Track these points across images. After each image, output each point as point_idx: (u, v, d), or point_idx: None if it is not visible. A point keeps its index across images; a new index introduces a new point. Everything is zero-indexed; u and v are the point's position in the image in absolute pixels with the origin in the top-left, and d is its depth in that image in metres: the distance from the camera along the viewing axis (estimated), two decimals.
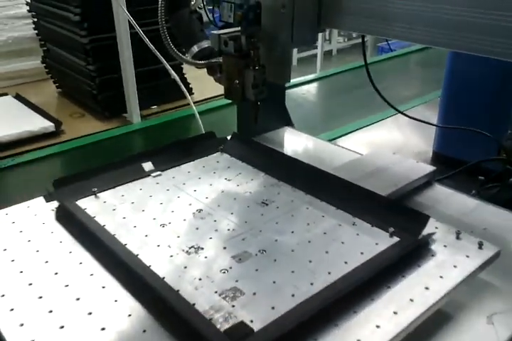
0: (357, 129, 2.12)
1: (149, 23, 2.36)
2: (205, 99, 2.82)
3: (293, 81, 2.88)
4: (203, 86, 2.82)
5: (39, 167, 2.09)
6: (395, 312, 0.77)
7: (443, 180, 1.44)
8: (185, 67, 2.78)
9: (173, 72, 2.09)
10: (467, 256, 0.89)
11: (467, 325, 0.84)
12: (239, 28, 1.09)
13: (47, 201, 1.13)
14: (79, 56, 2.50)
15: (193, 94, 2.76)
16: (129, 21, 2.23)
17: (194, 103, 2.25)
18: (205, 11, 1.20)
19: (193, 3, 1.26)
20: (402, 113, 1.67)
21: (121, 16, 2.27)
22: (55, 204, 1.12)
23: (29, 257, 0.95)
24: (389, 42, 4.71)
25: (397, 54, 3.53)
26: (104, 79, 2.49)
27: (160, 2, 1.15)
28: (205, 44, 1.25)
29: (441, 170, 1.49)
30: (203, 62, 1.23)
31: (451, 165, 1.57)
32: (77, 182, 1.17)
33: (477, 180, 1.46)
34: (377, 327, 0.75)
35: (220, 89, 2.91)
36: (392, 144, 1.92)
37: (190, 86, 2.75)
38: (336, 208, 1.06)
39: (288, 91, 2.04)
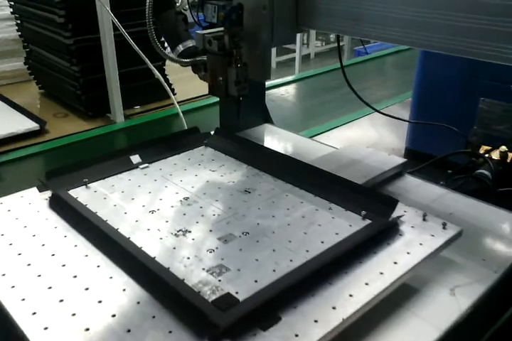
0: (334, 127, 2.21)
1: (133, 25, 2.43)
2: (187, 100, 2.88)
3: (272, 82, 2.96)
4: (185, 87, 2.90)
5: (24, 165, 2.14)
6: (367, 284, 0.86)
7: (414, 173, 1.54)
8: (167, 70, 2.85)
9: (157, 72, 2.15)
10: (432, 235, 0.98)
11: (432, 297, 0.92)
12: (222, 28, 1.16)
13: (40, 191, 1.19)
14: (63, 57, 2.54)
15: (175, 94, 2.82)
16: (112, 22, 2.30)
17: (178, 103, 2.32)
18: (190, 12, 1.27)
19: (178, 4, 1.33)
20: (377, 111, 1.77)
21: (105, 18, 2.33)
22: (47, 194, 1.18)
23: (26, 241, 1.01)
24: (365, 45, 4.85)
25: (373, 56, 3.65)
26: (88, 79, 2.54)
27: (147, 4, 1.22)
28: (190, 43, 1.32)
29: (413, 165, 1.59)
30: (188, 60, 1.30)
31: (422, 159, 1.66)
32: (68, 173, 1.23)
33: (446, 172, 1.55)
34: (351, 296, 0.83)
35: (201, 89, 3.00)
36: (368, 141, 2.02)
37: (173, 87, 2.82)
38: (313, 195, 1.15)
39: (267, 92, 2.13)
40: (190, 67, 1.35)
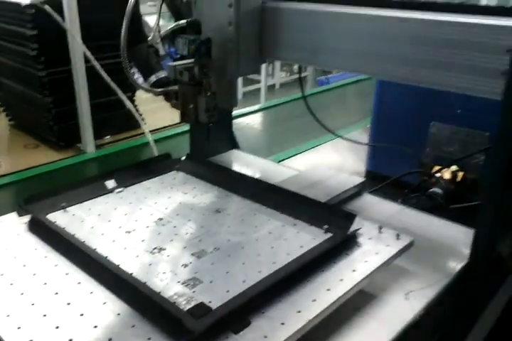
0: (299, 153, 2.32)
1: (104, 57, 2.52)
2: (157, 129, 2.96)
3: (239, 111, 3.08)
4: (154, 118, 2.99)
5: None
6: (328, 289, 0.94)
7: (374, 193, 1.64)
8: (137, 101, 2.95)
9: (128, 102, 2.23)
10: (387, 245, 1.08)
11: (388, 302, 1.01)
12: (192, 60, 1.26)
13: (20, 215, 1.24)
14: (35, 89, 2.61)
15: (145, 124, 2.90)
16: (84, 55, 2.38)
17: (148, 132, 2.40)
18: (162, 46, 1.37)
19: (149, 38, 1.43)
20: (338, 136, 1.88)
21: (77, 50, 2.42)
22: (26, 218, 1.23)
23: (8, 262, 1.06)
24: (327, 76, 5.05)
25: (334, 86, 3.82)
26: (60, 110, 2.60)
27: (122, 38, 1.31)
28: (162, 74, 1.41)
29: (373, 185, 1.70)
30: (160, 89, 1.39)
31: (381, 180, 1.78)
32: (46, 198, 1.29)
33: (403, 192, 1.67)
34: (314, 300, 0.91)
35: (169, 119, 3.08)
36: (332, 165, 2.12)
37: (143, 117, 2.90)
38: (279, 213, 1.23)
39: (235, 121, 2.23)
40: (158, 98, 1.44)
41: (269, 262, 1.03)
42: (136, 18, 1.35)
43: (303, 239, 1.11)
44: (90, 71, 2.45)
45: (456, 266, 1.12)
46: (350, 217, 1.13)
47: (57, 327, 0.86)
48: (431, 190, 1.62)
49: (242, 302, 0.89)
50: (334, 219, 1.15)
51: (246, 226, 1.19)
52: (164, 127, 2.99)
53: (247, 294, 0.92)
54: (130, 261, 1.05)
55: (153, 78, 1.40)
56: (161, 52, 1.41)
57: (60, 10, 2.35)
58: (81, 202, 1.31)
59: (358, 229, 1.12)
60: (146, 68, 1.41)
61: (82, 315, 0.89)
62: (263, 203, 1.28)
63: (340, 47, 1.20)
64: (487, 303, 1.09)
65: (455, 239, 1.23)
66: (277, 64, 7.30)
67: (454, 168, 1.65)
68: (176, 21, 1.42)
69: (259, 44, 1.36)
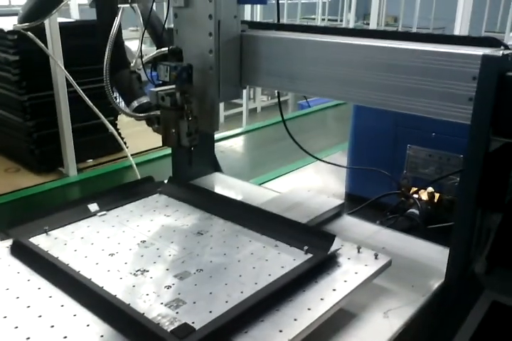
0: (281, 175, 2.36)
1: (86, 82, 2.55)
2: (138, 153, 2.98)
3: (221, 135, 3.12)
4: (136, 141, 3.01)
5: None
6: (309, 309, 0.96)
7: (353, 214, 1.68)
8: (120, 125, 2.98)
9: (110, 126, 2.25)
10: (366, 265, 1.11)
11: (368, 320, 1.04)
12: (173, 86, 1.29)
13: (1, 239, 1.24)
14: (16, 113, 2.61)
15: (127, 147, 2.92)
16: (66, 79, 2.41)
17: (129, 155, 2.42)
18: (144, 72, 1.40)
19: (132, 65, 1.46)
20: (318, 159, 1.92)
21: (59, 75, 2.44)
22: (8, 242, 1.24)
23: None
24: (308, 100, 5.14)
25: (315, 109, 3.89)
26: (42, 134, 2.61)
27: (104, 64, 1.34)
28: (144, 99, 1.43)
29: (352, 207, 1.74)
30: (142, 114, 1.42)
31: (360, 203, 1.82)
32: (29, 222, 1.30)
33: (382, 213, 1.71)
34: (295, 320, 0.93)
35: (150, 143, 3.10)
36: (313, 187, 2.16)
37: (125, 140, 2.92)
38: (260, 234, 1.26)
39: (217, 144, 2.26)
40: (140, 123, 1.47)
41: (251, 282, 1.05)
42: (119, 44, 1.38)
43: (284, 259, 1.14)
44: (72, 95, 2.47)
45: (433, 284, 1.15)
46: (330, 237, 1.16)
47: None
48: (409, 211, 1.67)
49: (224, 322, 0.91)
50: (314, 240, 1.18)
51: (228, 247, 1.21)
52: (146, 150, 3.01)
53: (229, 314, 0.93)
54: (114, 283, 1.06)
55: (135, 103, 1.42)
56: (144, 78, 1.44)
57: (42, 36, 2.38)
58: (64, 226, 1.32)
59: (338, 250, 1.14)
60: (128, 93, 1.43)
61: (65, 337, 0.90)
62: (245, 225, 1.31)
63: (315, 74, 1.25)
64: (464, 318, 1.12)
65: (432, 258, 1.26)
66: (258, 88, 7.40)
67: (430, 189, 1.70)
68: (157, 48, 1.47)
69: (239, 71, 1.41)
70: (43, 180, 2.61)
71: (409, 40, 1.16)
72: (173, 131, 1.31)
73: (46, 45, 2.39)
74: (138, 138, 3.01)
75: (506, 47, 1.05)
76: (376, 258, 1.13)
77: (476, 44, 1.09)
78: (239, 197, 1.59)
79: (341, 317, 1.02)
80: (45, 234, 1.28)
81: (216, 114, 1.39)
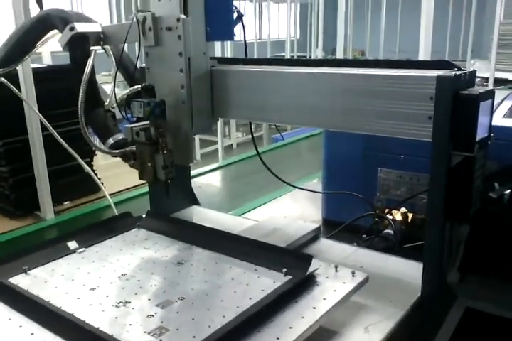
0: (258, 206, 2.39)
1: (61, 125, 2.58)
2: (116, 192, 2.99)
3: (197, 170, 3.15)
4: (112, 183, 3.03)
5: None
6: (291, 327, 0.98)
7: (330, 238, 1.71)
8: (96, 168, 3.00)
9: (87, 167, 2.26)
10: (344, 282, 1.13)
11: (349, 336, 1.06)
12: (147, 122, 1.33)
13: None
14: None
15: (104, 188, 2.93)
16: (40, 123, 2.43)
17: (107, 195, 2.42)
18: (119, 110, 1.44)
19: (106, 103, 1.50)
20: (294, 186, 1.96)
21: (34, 119, 2.47)
22: None
23: None
24: (281, 133, 5.23)
25: (288, 142, 3.98)
26: (17, 179, 2.62)
27: (79, 103, 1.38)
28: (119, 136, 1.46)
29: (329, 232, 1.77)
30: (118, 151, 1.43)
31: (337, 227, 1.85)
32: (7, 262, 1.29)
33: (357, 236, 1.74)
34: (277, 339, 0.95)
35: (127, 184, 3.11)
36: (291, 215, 2.20)
37: (101, 181, 2.92)
38: (240, 260, 1.28)
39: (194, 180, 2.29)
40: (116, 165, 1.48)
41: (234, 306, 1.06)
42: (93, 83, 1.43)
43: (264, 283, 1.15)
44: (47, 138, 2.49)
45: (410, 298, 1.18)
46: (308, 258, 1.19)
47: None
48: (384, 231, 1.70)
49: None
50: (292, 262, 1.20)
51: (209, 275, 1.22)
52: (123, 190, 3.02)
53: (213, 338, 0.94)
54: (96, 316, 1.06)
55: (110, 140, 1.45)
56: (118, 116, 1.48)
57: (16, 81, 2.42)
58: (43, 265, 1.31)
59: (316, 270, 1.17)
60: (103, 131, 1.46)
61: None
62: (223, 252, 1.32)
63: (283, 103, 1.31)
64: (440, 326, 1.14)
65: (408, 274, 1.29)
66: (233, 124, 7.51)
67: (403, 209, 1.75)
68: (130, 87, 1.51)
69: (211, 104, 1.46)
70: (20, 225, 2.59)
71: (370, 67, 1.23)
72: (149, 164, 1.34)
73: (19, 90, 2.43)
74: (114, 179, 3.05)
75: (459, 68, 1.13)
76: (353, 275, 1.15)
77: (431, 67, 1.16)
78: (217, 227, 1.61)
79: (323, 335, 1.04)
80: (24, 273, 1.27)
81: (190, 147, 1.44)
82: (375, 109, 1.17)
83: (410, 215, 1.75)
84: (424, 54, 4.54)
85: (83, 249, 1.41)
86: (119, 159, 1.45)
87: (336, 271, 1.18)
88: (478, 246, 1.28)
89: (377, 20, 7.74)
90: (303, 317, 1.01)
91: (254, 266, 1.24)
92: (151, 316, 1.05)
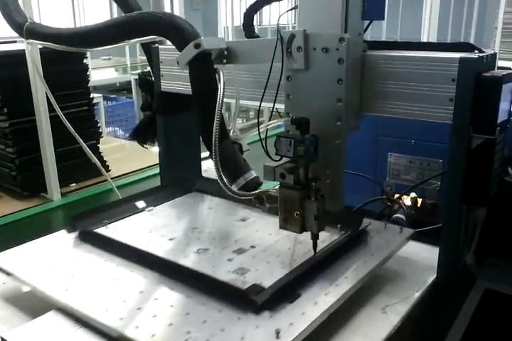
0: None
1: (67, 107, 2.57)
2: (122, 175, 3.00)
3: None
4: (120, 165, 3.04)
5: None
6: (355, 269, 1.11)
7: None
8: (105, 149, 3.00)
9: (89, 151, 2.18)
10: (393, 236, 1.27)
11: (367, 317, 1.07)
12: (289, 159, 1.07)
13: (69, 232, 1.31)
14: None
15: (109, 171, 2.93)
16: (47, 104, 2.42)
17: (112, 179, 2.42)
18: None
19: (231, 134, 1.25)
20: None
21: (41, 100, 2.46)
22: (74, 234, 1.30)
23: (75, 267, 1.15)
24: None
25: None
26: (24, 159, 2.61)
27: (214, 134, 1.08)
28: (251, 176, 1.18)
29: None
30: (252, 193, 1.16)
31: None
32: (89, 217, 1.37)
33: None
34: (346, 277, 1.08)
35: (134, 165, 3.10)
36: None
37: (107, 163, 2.93)
38: None
39: None
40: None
41: (301, 253, 1.18)
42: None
43: (322, 235, 1.18)
44: (54, 120, 2.48)
45: (426, 280, 1.19)
46: (359, 216, 1.33)
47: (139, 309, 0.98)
48: (394, 216, 1.71)
49: (289, 280, 1.04)
50: (346, 219, 1.31)
51: (271, 229, 1.31)
52: (130, 172, 3.03)
53: (289, 276, 1.06)
54: (181, 260, 1.16)
55: (241, 180, 1.17)
56: (245, 148, 1.30)
57: (23, 61, 2.40)
58: (119, 220, 1.39)
59: (368, 225, 1.29)
60: (232, 168, 1.18)
61: (156, 299, 1.02)
62: None
63: None
64: (460, 307, 1.16)
65: (423, 256, 1.30)
66: (233, 110, 7.48)
67: (413, 194, 1.75)
68: None
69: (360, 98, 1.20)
70: (27, 206, 2.60)
71: (390, 49, 1.21)
72: (297, 213, 1.08)
73: (27, 70, 2.42)
74: (121, 161, 3.06)
75: (480, 50, 1.12)
76: (401, 231, 1.29)
77: (451, 49, 1.15)
78: None
79: (341, 316, 1.04)
80: (105, 227, 1.35)
81: (342, 189, 1.18)
82: (395, 91, 1.16)
83: (420, 200, 1.75)
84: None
85: (151, 207, 1.47)
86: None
87: (385, 227, 1.31)
88: (496, 228, 1.29)
89: None
90: (364, 262, 1.14)
91: None
92: (230, 260, 1.17)
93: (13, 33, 1.52)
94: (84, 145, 2.17)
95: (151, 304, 1.00)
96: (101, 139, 3.00)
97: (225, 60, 1.20)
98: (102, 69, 6.68)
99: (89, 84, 2.93)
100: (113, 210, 1.42)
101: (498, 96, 1.06)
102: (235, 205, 1.49)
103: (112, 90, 7.09)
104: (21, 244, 1.25)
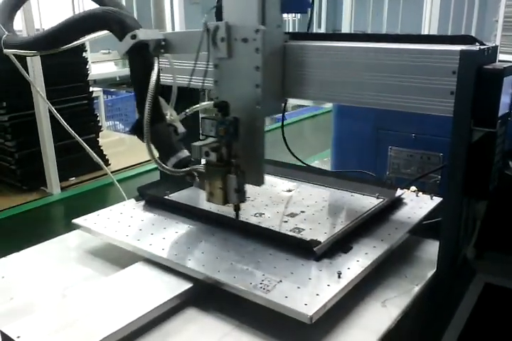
0: None
1: (65, 101, 2.56)
2: (122, 169, 3.00)
3: None
4: (120, 159, 3.03)
5: None
6: (396, 228, 1.28)
7: None
8: (104, 143, 2.98)
9: (86, 146, 2.15)
10: (425, 203, 1.45)
11: (368, 310, 1.07)
12: (215, 139, 1.17)
13: (137, 200, 1.48)
14: None
15: (109, 165, 2.93)
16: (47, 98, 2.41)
17: (112, 172, 2.41)
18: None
19: (167, 117, 1.31)
20: (306, 164, 1.93)
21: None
22: (141, 202, 1.47)
23: (149, 227, 1.32)
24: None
25: (291, 121, 3.96)
26: (23, 153, 2.61)
27: (145, 117, 1.19)
28: (183, 155, 1.29)
29: None
30: (183, 170, 1.27)
31: None
32: (153, 188, 1.54)
33: None
34: (389, 234, 1.25)
35: (134, 159, 3.10)
36: None
37: (107, 157, 2.92)
38: (336, 189, 1.58)
39: None
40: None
41: (346, 217, 1.36)
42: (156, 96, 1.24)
43: (362, 203, 1.44)
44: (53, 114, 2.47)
45: (426, 273, 1.19)
46: (393, 187, 1.49)
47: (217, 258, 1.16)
48: None
49: (342, 236, 1.20)
50: (381, 189, 1.49)
51: (316, 198, 1.50)
52: (130, 166, 3.02)
53: (340, 234, 1.20)
54: (247, 219, 1.33)
55: (174, 159, 1.29)
56: (180, 130, 1.34)
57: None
58: (179, 190, 1.56)
59: (402, 194, 1.47)
60: (166, 148, 1.30)
61: (228, 251, 1.18)
62: (325, 185, 1.60)
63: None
64: (459, 301, 1.15)
65: (423, 250, 1.31)
66: None
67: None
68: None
69: (281, 83, 1.29)
70: (26, 200, 2.60)
71: (390, 41, 1.20)
72: (220, 187, 1.20)
73: (26, 65, 2.41)
74: (122, 156, 3.04)
75: (481, 43, 1.11)
76: (431, 198, 1.47)
77: (453, 42, 1.14)
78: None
79: (341, 309, 1.04)
80: (167, 197, 1.52)
81: (262, 168, 1.30)
82: (395, 84, 1.15)
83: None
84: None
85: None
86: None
87: (417, 195, 1.50)
88: (496, 221, 1.28)
89: (380, 2, 7.66)
90: (402, 223, 1.31)
91: (350, 193, 1.53)
92: (285, 221, 1.34)
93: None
94: (80, 140, 2.12)
95: (225, 255, 1.16)
96: (101, 133, 3.00)
97: (162, 50, 1.30)
98: (102, 63, 6.66)
99: (89, 78, 2.92)
100: (167, 184, 1.56)
101: (499, 89, 1.05)
102: (285, 179, 1.67)
103: (111, 84, 7.07)
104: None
